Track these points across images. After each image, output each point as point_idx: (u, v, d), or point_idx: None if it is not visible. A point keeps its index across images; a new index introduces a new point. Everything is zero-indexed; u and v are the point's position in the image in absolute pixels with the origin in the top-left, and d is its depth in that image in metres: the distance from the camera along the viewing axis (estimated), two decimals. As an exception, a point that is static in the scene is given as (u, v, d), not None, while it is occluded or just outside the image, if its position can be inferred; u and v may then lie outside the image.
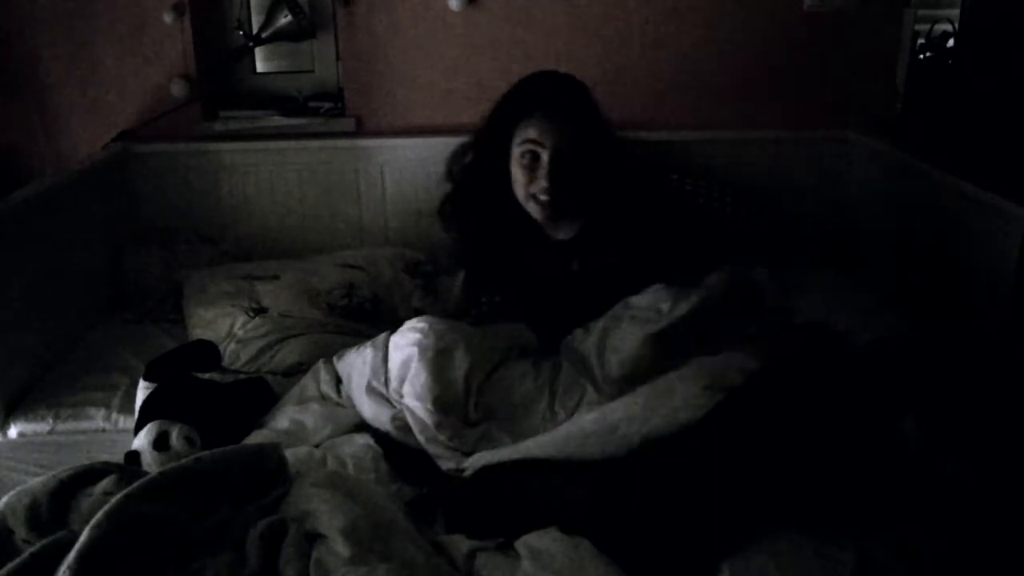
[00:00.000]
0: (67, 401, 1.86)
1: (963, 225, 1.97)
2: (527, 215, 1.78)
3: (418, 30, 2.51)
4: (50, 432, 1.80)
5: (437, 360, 1.56)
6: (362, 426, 1.62)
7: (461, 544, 1.29)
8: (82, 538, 1.10)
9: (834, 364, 1.45)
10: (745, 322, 1.64)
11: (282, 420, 1.64)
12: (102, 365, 2.01)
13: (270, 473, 1.34)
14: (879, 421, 1.33)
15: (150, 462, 1.49)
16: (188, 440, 1.53)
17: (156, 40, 2.49)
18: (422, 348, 1.57)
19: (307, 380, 1.76)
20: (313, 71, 2.69)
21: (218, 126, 2.56)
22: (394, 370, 1.59)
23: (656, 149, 2.44)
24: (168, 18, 2.45)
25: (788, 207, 2.49)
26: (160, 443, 1.51)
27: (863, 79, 2.55)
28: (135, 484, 1.19)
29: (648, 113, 2.54)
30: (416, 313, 2.00)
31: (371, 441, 1.56)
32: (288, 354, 1.94)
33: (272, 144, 2.55)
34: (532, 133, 1.70)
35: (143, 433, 1.54)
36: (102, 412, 1.83)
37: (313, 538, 1.21)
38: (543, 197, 1.72)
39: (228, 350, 1.97)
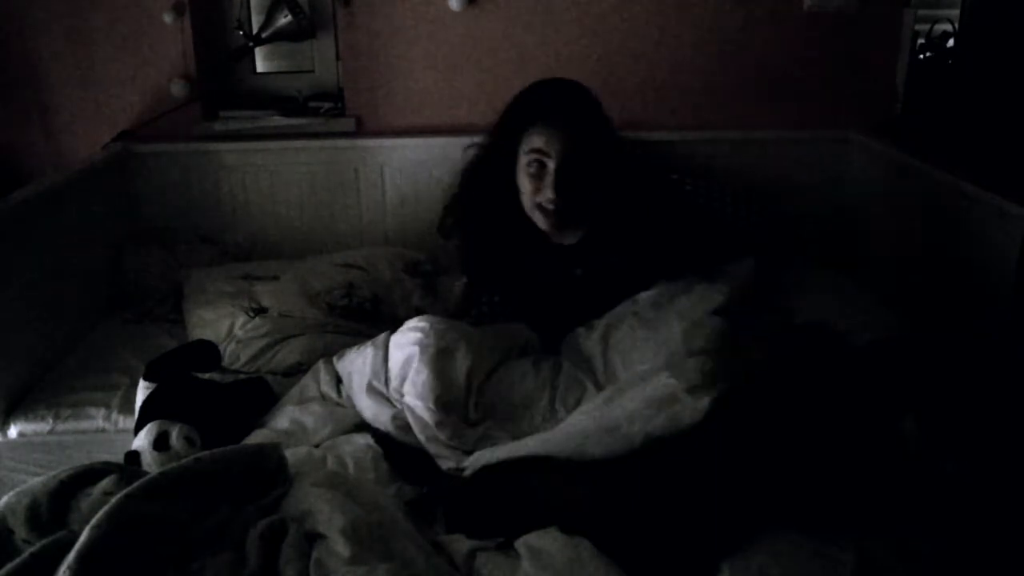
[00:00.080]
0: (67, 401, 1.86)
1: (963, 225, 1.97)
2: (531, 222, 1.78)
3: (418, 30, 2.51)
4: (50, 432, 1.80)
5: (438, 359, 1.56)
6: (362, 426, 1.62)
7: (461, 544, 1.29)
8: (82, 538, 1.10)
9: (834, 364, 1.46)
10: (753, 320, 1.65)
11: (282, 420, 1.64)
12: (102, 365, 2.01)
13: (270, 473, 1.34)
14: (879, 421, 1.33)
15: (150, 462, 1.49)
16: (188, 440, 1.53)
17: (156, 40, 2.49)
18: (423, 347, 1.57)
19: (307, 380, 1.76)
20: (313, 71, 2.69)
21: (218, 126, 2.56)
22: (395, 369, 1.59)
23: (656, 149, 2.43)
24: (168, 18, 2.45)
25: (788, 207, 2.49)
26: (160, 443, 1.51)
27: (863, 79, 2.55)
28: (135, 484, 1.19)
29: (648, 113, 2.54)
30: (416, 313, 2.00)
31: (371, 441, 1.56)
32: (288, 354, 1.94)
33: (272, 144, 2.55)
34: (538, 143, 1.69)
35: (143, 433, 1.54)
36: (102, 412, 1.84)
37: (313, 538, 1.21)
38: (549, 207, 1.72)
39: (228, 350, 1.96)
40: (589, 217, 1.78)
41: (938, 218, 2.08)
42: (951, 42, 2.47)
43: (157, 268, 2.36)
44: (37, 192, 2.04)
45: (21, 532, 1.20)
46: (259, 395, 1.74)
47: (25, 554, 1.13)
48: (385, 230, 2.60)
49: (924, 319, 2.07)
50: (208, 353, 1.77)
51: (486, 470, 1.43)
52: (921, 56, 2.52)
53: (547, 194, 1.71)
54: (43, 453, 1.71)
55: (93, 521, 1.12)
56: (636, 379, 1.48)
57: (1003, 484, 1.28)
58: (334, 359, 1.75)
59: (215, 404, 1.64)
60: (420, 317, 1.67)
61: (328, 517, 1.21)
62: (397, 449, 1.55)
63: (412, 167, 2.54)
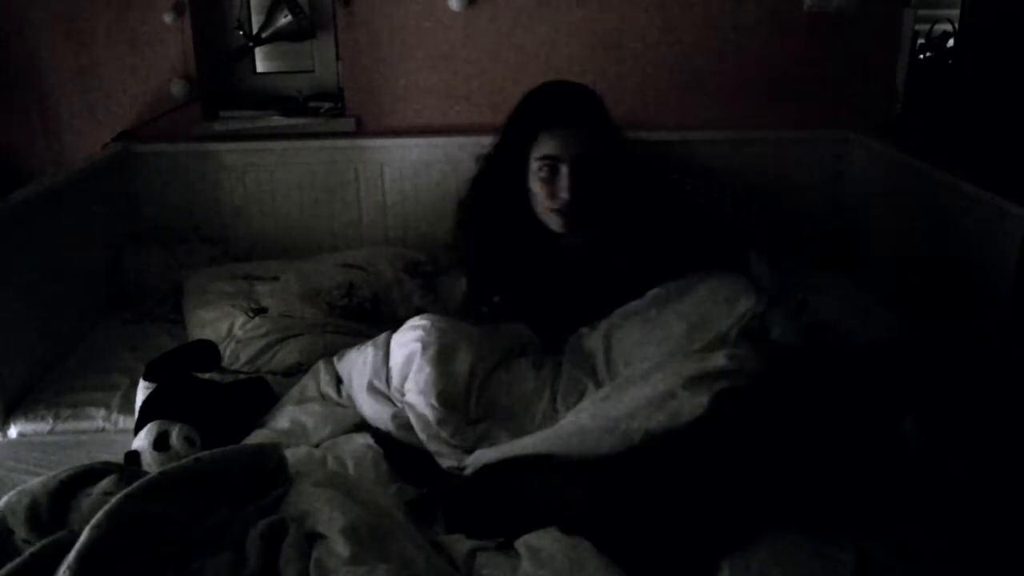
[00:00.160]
0: (67, 401, 1.86)
1: (963, 225, 1.97)
2: (540, 224, 1.78)
3: (418, 30, 2.51)
4: (50, 432, 1.80)
5: (440, 356, 1.56)
6: (362, 426, 1.63)
7: (461, 544, 1.29)
8: (82, 538, 1.10)
9: (834, 364, 1.46)
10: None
11: (282, 420, 1.64)
12: (102, 365, 2.01)
13: (270, 473, 1.34)
14: (879, 421, 1.33)
15: (150, 462, 1.49)
16: (188, 440, 1.53)
17: (156, 40, 2.49)
18: (425, 345, 1.57)
19: (307, 380, 1.76)
20: (313, 71, 2.69)
21: (218, 126, 2.56)
22: (396, 368, 1.59)
23: (656, 149, 2.43)
24: (168, 18, 2.45)
25: (788, 207, 2.49)
26: (160, 443, 1.51)
27: (863, 79, 2.55)
28: (135, 484, 1.19)
29: (648, 113, 2.54)
30: (417, 312, 2.00)
31: (371, 441, 1.56)
32: (288, 354, 1.94)
33: (272, 144, 2.55)
34: (549, 148, 1.69)
35: (143, 433, 1.54)
36: (102, 412, 1.84)
37: (313, 538, 1.21)
38: (564, 209, 1.72)
39: (228, 350, 1.96)
40: (599, 217, 1.78)
41: (938, 218, 2.08)
42: (951, 42, 2.47)
43: (157, 268, 2.36)
44: (37, 192, 2.04)
45: (21, 532, 1.20)
46: (259, 395, 1.74)
47: (25, 554, 1.13)
48: (385, 230, 2.60)
49: (924, 319, 2.07)
50: (208, 353, 1.77)
51: (486, 470, 1.43)
52: (921, 56, 2.53)
53: (562, 197, 1.70)
54: (43, 453, 1.71)
55: (93, 521, 1.12)
56: (636, 376, 1.48)
57: (1003, 484, 1.28)
58: (334, 359, 1.75)
59: (215, 404, 1.64)
60: (421, 316, 1.67)
61: (328, 517, 1.21)
62: (397, 449, 1.55)
63: (412, 167, 2.54)
